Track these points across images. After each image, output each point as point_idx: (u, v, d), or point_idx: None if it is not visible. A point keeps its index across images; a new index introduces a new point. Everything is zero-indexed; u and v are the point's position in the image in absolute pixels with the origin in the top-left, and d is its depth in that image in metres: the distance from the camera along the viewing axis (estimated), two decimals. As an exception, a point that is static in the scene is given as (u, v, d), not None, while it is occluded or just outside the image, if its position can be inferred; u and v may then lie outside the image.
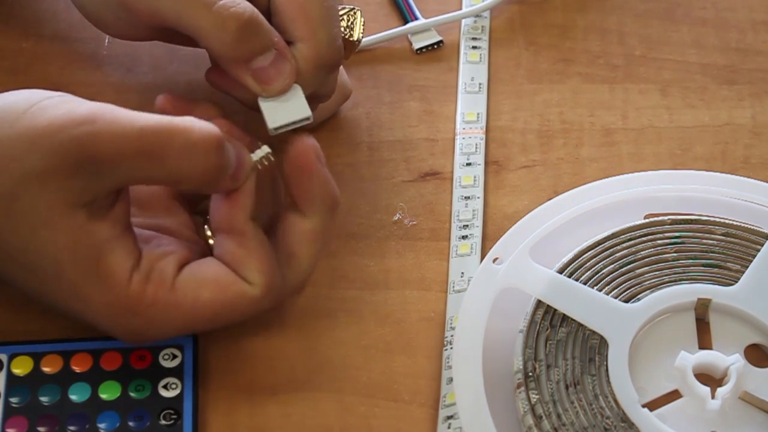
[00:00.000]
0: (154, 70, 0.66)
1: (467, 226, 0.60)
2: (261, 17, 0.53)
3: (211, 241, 0.53)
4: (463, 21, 0.69)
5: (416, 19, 0.68)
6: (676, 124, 0.65)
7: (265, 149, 0.52)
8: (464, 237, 0.59)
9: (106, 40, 0.67)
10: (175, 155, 0.48)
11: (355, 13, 0.59)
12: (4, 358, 0.53)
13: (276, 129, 0.53)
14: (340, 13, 0.58)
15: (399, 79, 0.66)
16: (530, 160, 0.63)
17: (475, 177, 0.62)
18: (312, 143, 0.52)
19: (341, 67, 0.61)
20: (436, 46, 0.68)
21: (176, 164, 0.48)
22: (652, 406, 0.52)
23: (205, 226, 0.54)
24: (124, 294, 0.49)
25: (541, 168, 0.63)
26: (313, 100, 0.57)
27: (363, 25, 0.59)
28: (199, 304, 0.50)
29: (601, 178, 0.60)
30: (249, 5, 0.53)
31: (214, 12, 0.52)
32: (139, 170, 0.48)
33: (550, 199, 0.60)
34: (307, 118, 0.53)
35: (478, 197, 0.61)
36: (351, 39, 0.58)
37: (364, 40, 0.66)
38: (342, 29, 0.57)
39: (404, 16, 0.68)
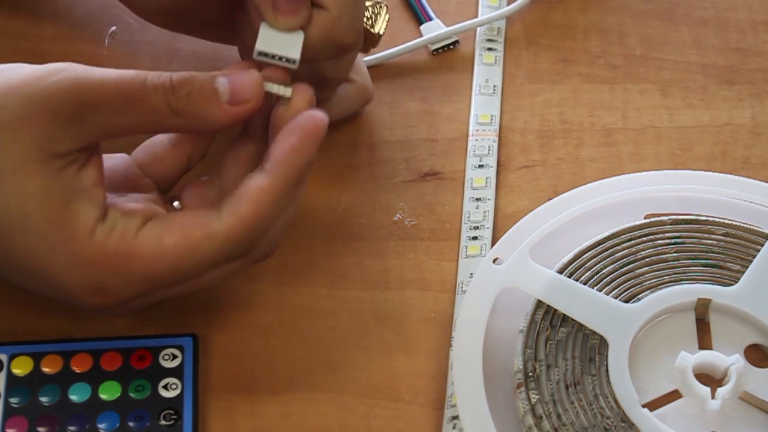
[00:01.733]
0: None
1: (477, 227, 0.60)
2: None
3: None
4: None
5: (430, 19, 0.68)
6: (676, 124, 0.65)
7: (286, 90, 0.52)
8: (474, 238, 0.59)
9: (107, 40, 0.67)
10: (152, 94, 0.49)
11: (381, 7, 0.58)
12: (4, 358, 0.53)
13: (260, 54, 0.52)
14: (367, 3, 0.58)
15: (399, 80, 0.66)
16: (530, 160, 0.63)
17: (487, 179, 0.62)
18: (326, 121, 0.51)
19: (366, 70, 0.61)
20: (452, 47, 0.67)
21: (151, 103, 0.49)
22: (652, 406, 0.52)
23: (176, 204, 0.54)
24: (87, 244, 0.48)
25: (541, 168, 0.63)
26: (322, 83, 0.56)
27: (387, 22, 0.59)
28: (163, 250, 0.49)
29: (601, 178, 0.60)
30: None
31: None
32: (118, 115, 0.49)
33: (550, 199, 0.60)
34: (293, 62, 0.52)
35: (489, 199, 0.61)
36: (372, 31, 0.58)
37: (385, 53, 0.65)
38: (365, 19, 0.57)
39: (418, 16, 0.68)
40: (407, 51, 0.67)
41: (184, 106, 0.50)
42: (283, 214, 0.52)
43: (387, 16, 0.59)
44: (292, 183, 0.50)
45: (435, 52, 0.67)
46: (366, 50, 0.59)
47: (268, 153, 0.51)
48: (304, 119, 0.51)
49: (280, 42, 0.53)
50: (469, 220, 0.60)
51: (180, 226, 0.49)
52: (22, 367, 0.53)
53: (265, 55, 0.52)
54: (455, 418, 0.53)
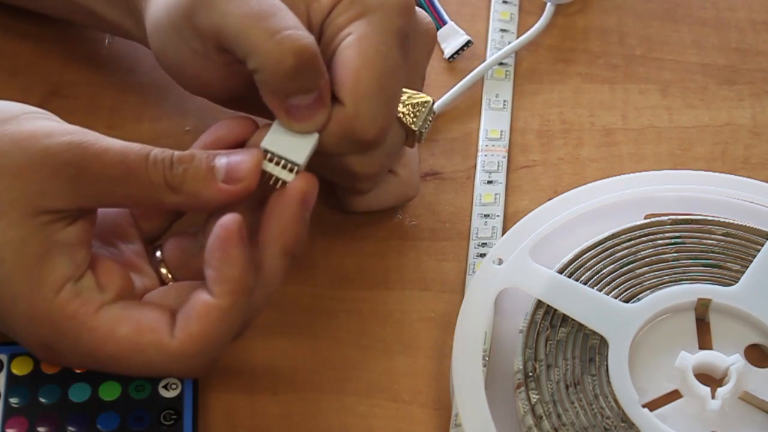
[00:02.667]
0: (154, 70, 0.65)
1: (485, 244, 0.59)
2: (319, 56, 0.50)
3: (163, 270, 0.53)
4: (490, 35, 0.68)
5: (444, 23, 0.67)
6: (676, 124, 0.65)
7: (288, 175, 0.50)
8: (482, 255, 0.59)
9: (107, 40, 0.67)
10: (152, 170, 0.49)
11: (424, 104, 0.55)
12: (4, 358, 0.53)
13: (266, 150, 0.51)
14: (408, 98, 0.55)
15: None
16: (530, 160, 0.63)
17: (495, 195, 0.61)
18: (237, 220, 0.48)
19: (415, 166, 0.59)
20: (466, 47, 0.67)
21: (149, 178, 0.49)
22: (652, 406, 0.52)
23: (158, 254, 0.54)
24: (49, 299, 0.48)
25: (541, 168, 0.63)
26: (353, 177, 0.55)
27: (431, 120, 0.56)
28: (112, 337, 0.49)
29: (601, 178, 0.60)
30: (312, 40, 0.50)
31: (276, 41, 0.49)
32: (116, 186, 0.48)
33: (550, 199, 0.60)
34: (297, 164, 0.51)
35: (498, 216, 0.61)
36: (412, 128, 0.55)
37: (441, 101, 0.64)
38: (402, 114, 0.55)
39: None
40: (450, 100, 0.65)
41: (180, 182, 0.49)
42: (241, 321, 0.50)
43: (432, 113, 0.56)
44: (239, 294, 0.49)
45: (451, 59, 0.67)
46: (410, 145, 0.57)
47: (208, 268, 0.49)
48: (216, 230, 0.49)
49: (290, 142, 0.51)
50: (477, 237, 0.60)
51: (136, 322, 0.49)
52: (22, 367, 0.53)
53: (269, 153, 0.51)
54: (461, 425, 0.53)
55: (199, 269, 0.51)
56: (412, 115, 0.55)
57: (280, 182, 0.51)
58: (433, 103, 0.56)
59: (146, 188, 0.49)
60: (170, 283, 0.53)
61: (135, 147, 0.49)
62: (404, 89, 0.54)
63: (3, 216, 0.48)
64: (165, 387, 0.53)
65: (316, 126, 0.51)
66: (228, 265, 0.48)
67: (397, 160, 0.57)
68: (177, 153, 0.50)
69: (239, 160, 0.50)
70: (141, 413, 0.52)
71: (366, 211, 0.59)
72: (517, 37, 0.68)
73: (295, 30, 0.50)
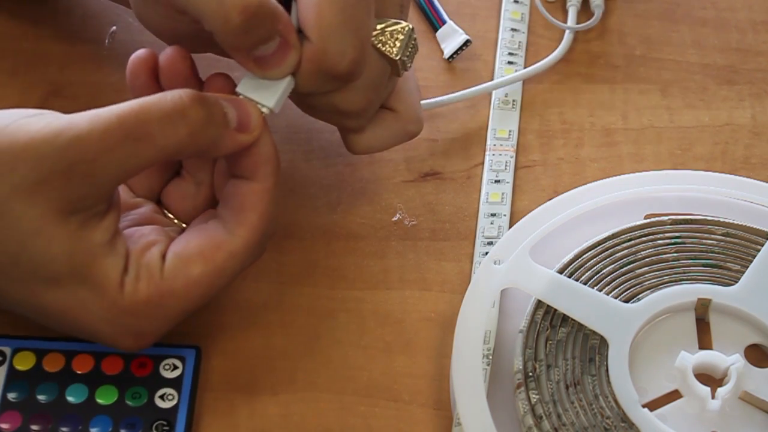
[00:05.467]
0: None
1: (491, 243, 0.59)
2: (267, 4, 0.50)
3: (175, 222, 0.54)
4: (501, 34, 0.68)
5: (444, 23, 0.67)
6: (676, 124, 0.65)
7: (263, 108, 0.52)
8: (488, 254, 0.59)
9: (107, 40, 0.67)
10: (159, 127, 0.48)
11: (402, 29, 0.54)
12: (7, 351, 0.53)
13: (240, 94, 0.52)
14: (384, 27, 0.54)
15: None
16: (530, 160, 0.63)
17: (503, 195, 0.61)
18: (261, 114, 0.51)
19: (414, 99, 0.58)
20: (465, 47, 0.67)
21: (163, 135, 0.48)
22: (652, 406, 0.52)
23: (164, 211, 0.55)
24: (119, 298, 0.49)
25: (541, 168, 0.63)
26: (342, 115, 0.55)
27: (412, 45, 0.54)
28: (192, 282, 0.50)
29: (601, 178, 0.60)
30: None
31: (218, 2, 0.49)
32: (130, 157, 0.48)
33: (550, 199, 0.60)
34: (269, 108, 0.51)
35: (505, 215, 0.61)
36: (390, 57, 0.54)
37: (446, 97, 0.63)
38: (381, 43, 0.53)
39: (431, 21, 0.67)
40: (443, 104, 0.64)
41: (201, 128, 0.49)
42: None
43: (409, 38, 0.54)
44: (278, 173, 0.51)
45: (451, 59, 0.67)
46: (398, 74, 0.55)
47: (246, 160, 0.51)
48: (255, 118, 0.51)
49: (263, 84, 0.52)
50: (483, 236, 0.60)
51: (200, 254, 0.50)
52: (24, 362, 0.53)
53: (244, 97, 0.51)
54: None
55: (203, 204, 0.54)
56: (390, 44, 0.54)
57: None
58: (413, 29, 0.54)
59: (159, 147, 0.49)
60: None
61: (132, 111, 0.48)
62: (381, 19, 0.54)
63: (40, 234, 0.48)
64: (161, 397, 0.53)
65: (288, 70, 0.52)
66: (267, 146, 0.51)
67: (387, 94, 0.57)
68: (186, 96, 0.49)
69: (246, 110, 0.51)
70: (134, 421, 0.52)
71: (372, 153, 0.59)
72: (527, 37, 0.68)
73: None
